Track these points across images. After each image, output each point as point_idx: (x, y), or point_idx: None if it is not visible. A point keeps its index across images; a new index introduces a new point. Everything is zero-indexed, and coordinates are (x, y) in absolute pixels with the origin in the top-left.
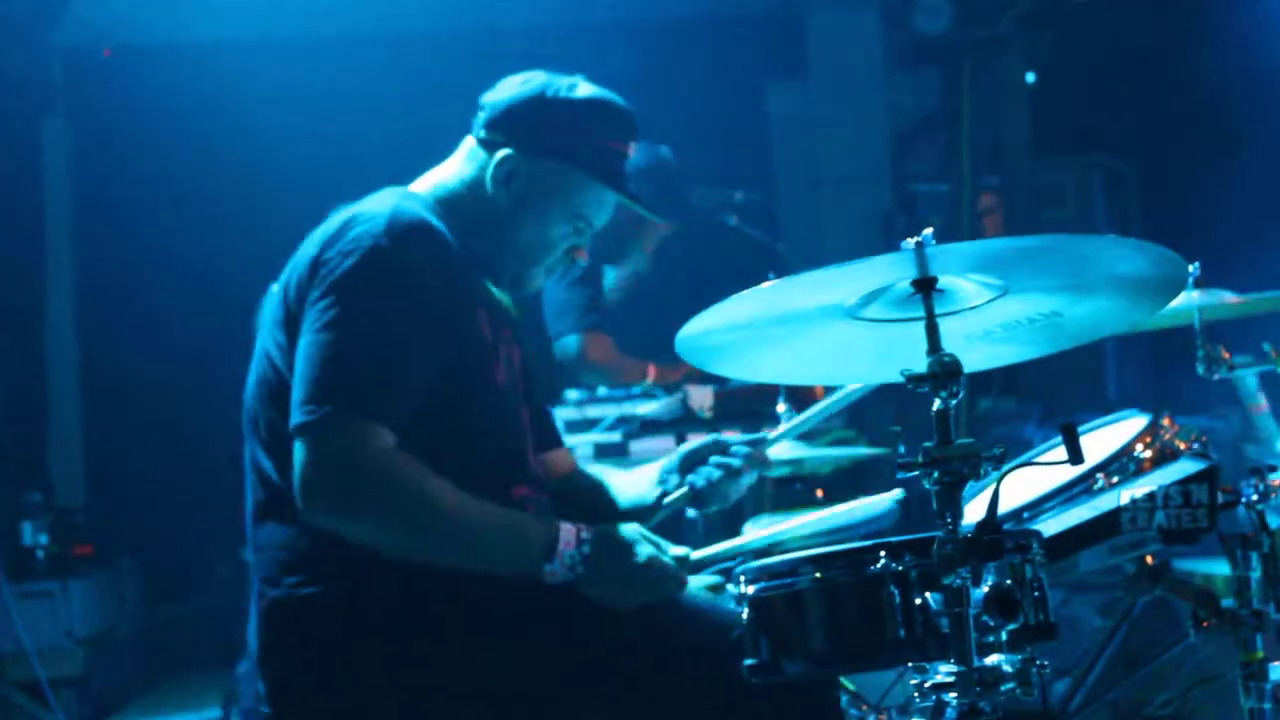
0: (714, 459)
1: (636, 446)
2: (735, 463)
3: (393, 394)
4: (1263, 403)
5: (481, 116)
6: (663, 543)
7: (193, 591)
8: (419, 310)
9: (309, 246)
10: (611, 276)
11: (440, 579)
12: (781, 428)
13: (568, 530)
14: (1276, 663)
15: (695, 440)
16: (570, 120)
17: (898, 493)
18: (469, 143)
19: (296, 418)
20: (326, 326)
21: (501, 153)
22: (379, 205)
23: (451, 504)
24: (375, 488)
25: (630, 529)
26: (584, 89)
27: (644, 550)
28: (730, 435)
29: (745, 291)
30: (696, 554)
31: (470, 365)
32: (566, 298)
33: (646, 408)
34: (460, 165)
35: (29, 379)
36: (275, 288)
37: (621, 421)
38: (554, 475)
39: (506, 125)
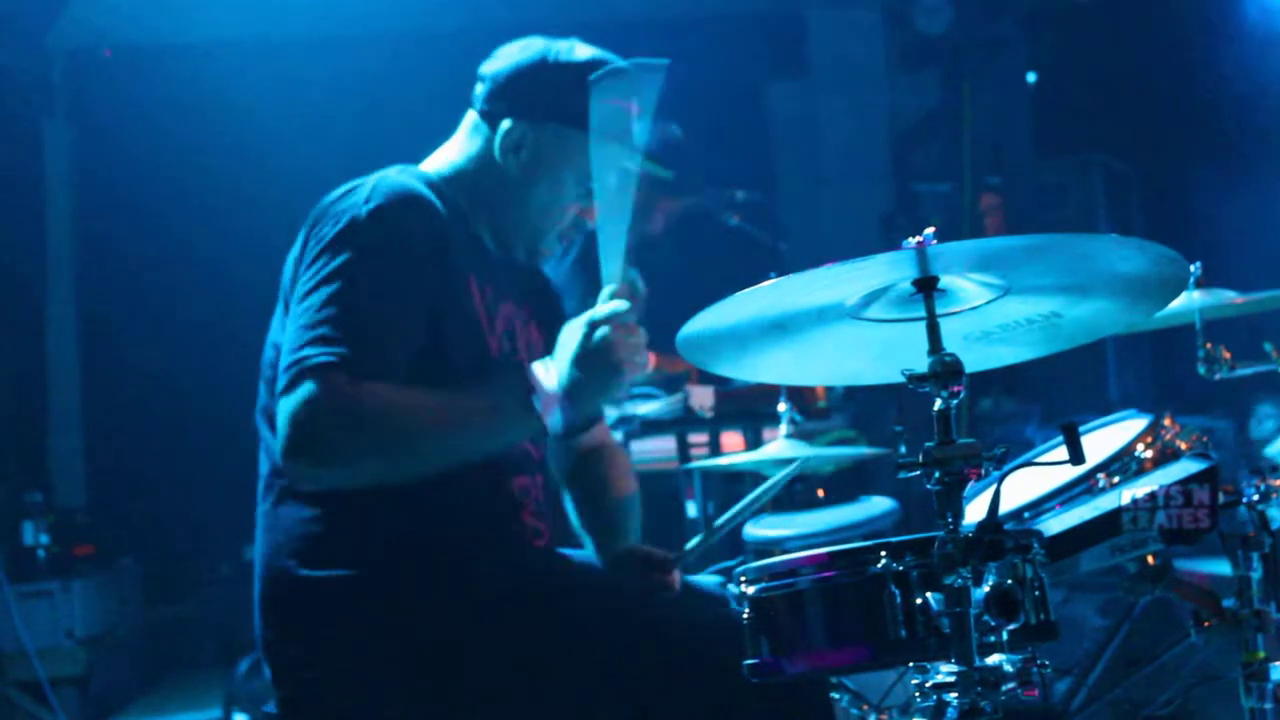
0: None
1: (637, 446)
2: None
3: (370, 352)
4: None
5: (482, 89)
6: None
7: (193, 591)
8: (397, 276)
9: (303, 227)
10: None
11: (450, 565)
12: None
13: (532, 371)
14: (1277, 663)
15: None
16: (573, 84)
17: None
18: (471, 117)
19: (279, 384)
20: (307, 294)
21: (506, 123)
22: (369, 177)
23: (425, 411)
24: (343, 426)
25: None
26: (582, 50)
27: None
28: None
29: (745, 291)
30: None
31: (456, 332)
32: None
33: (647, 407)
34: (465, 141)
35: (29, 378)
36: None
37: (622, 421)
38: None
39: (509, 95)
